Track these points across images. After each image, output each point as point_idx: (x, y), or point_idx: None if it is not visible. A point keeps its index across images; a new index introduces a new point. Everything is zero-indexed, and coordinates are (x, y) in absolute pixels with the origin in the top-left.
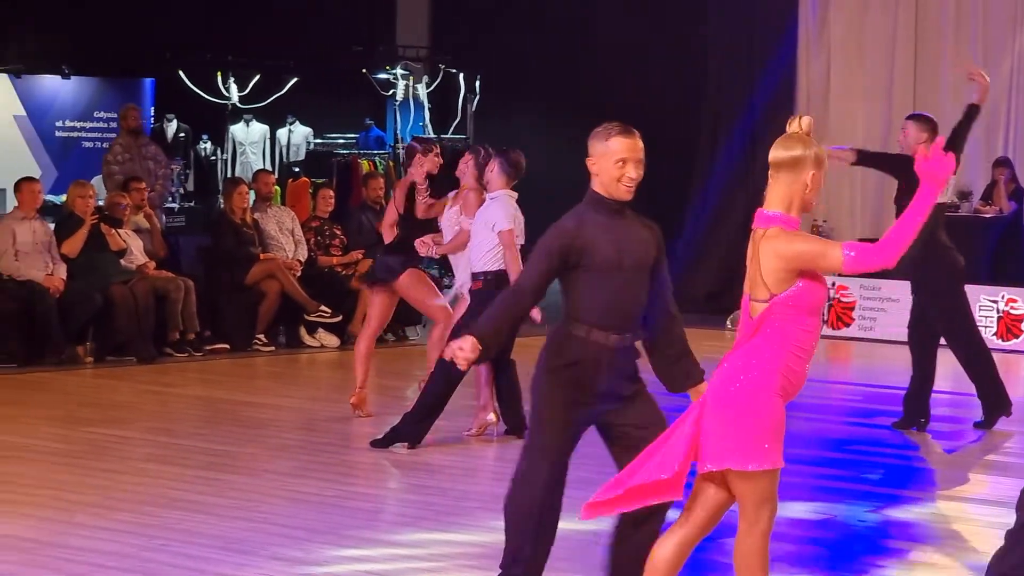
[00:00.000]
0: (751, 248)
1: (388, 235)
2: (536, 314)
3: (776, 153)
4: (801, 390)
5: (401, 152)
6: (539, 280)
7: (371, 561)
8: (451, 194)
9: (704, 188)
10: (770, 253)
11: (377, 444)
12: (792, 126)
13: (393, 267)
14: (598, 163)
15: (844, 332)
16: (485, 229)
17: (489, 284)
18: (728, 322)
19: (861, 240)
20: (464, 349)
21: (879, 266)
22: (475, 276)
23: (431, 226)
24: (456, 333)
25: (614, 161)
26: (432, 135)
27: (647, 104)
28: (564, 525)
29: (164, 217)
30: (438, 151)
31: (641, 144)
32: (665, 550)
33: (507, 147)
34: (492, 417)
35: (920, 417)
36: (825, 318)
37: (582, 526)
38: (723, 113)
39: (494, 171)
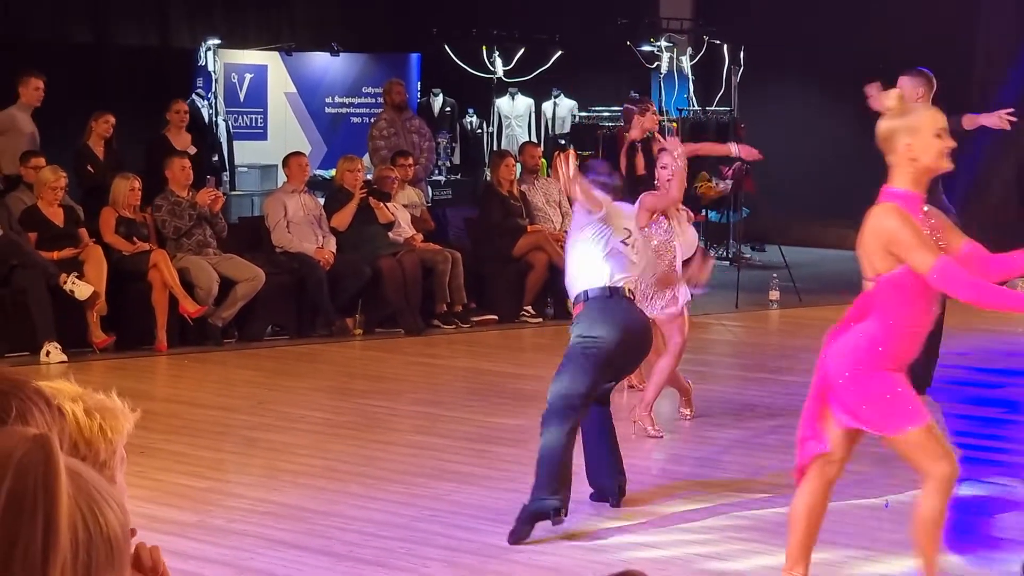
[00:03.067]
0: None
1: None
2: None
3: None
4: None
5: (667, 125)
6: None
7: (642, 533)
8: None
9: (970, 156)
10: (870, 228)
11: None
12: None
13: None
14: None
15: None
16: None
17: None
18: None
19: None
20: None
21: (958, 298)
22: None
23: (650, 184)
24: None
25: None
26: (696, 107)
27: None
28: (843, 501)
29: (431, 190)
30: (654, 109)
31: None
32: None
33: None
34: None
35: None
36: None
37: (858, 500)
38: (991, 79)
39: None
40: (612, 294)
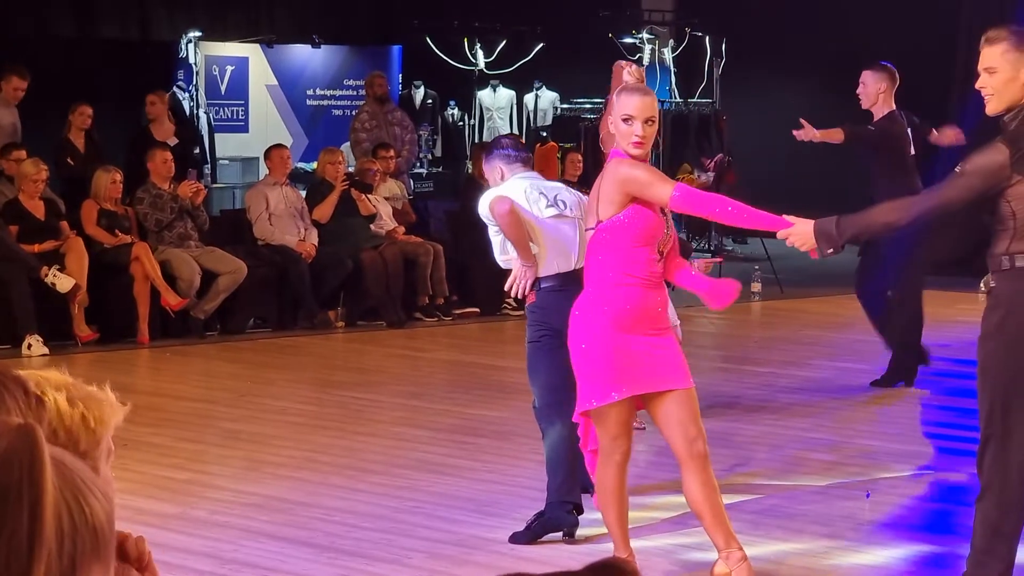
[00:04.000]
0: None
1: None
2: None
3: None
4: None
5: None
6: None
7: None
8: None
9: (952, 147)
10: (607, 179)
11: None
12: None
13: None
14: None
15: None
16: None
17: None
18: (981, 285)
19: None
20: None
21: (702, 213)
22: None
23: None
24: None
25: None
26: (678, 99)
27: (897, 63)
28: (824, 492)
29: (412, 183)
30: None
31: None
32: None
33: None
34: None
35: None
36: None
37: (840, 491)
38: (974, 68)
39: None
40: (564, 280)
